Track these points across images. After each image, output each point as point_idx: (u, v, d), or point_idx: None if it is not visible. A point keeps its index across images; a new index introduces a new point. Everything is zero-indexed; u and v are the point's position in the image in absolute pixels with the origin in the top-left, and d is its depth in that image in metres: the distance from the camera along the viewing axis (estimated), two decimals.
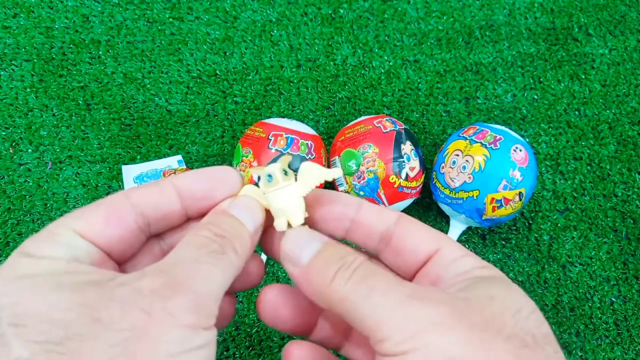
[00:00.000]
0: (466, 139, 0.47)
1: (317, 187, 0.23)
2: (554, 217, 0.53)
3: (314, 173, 0.23)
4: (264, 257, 0.23)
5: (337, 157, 0.49)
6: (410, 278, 0.22)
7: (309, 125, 0.51)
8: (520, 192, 0.45)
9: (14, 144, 0.55)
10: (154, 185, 0.22)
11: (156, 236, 0.23)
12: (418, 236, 0.22)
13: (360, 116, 0.54)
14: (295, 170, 0.23)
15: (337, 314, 0.20)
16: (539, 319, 0.19)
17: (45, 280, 0.17)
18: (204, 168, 0.23)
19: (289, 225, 0.22)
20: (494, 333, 0.17)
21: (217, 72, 0.59)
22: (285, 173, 0.23)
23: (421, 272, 0.22)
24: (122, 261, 0.22)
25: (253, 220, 0.22)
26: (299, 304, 0.24)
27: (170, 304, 0.17)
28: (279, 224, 0.22)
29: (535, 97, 0.58)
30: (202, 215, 0.23)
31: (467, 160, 0.46)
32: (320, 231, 0.23)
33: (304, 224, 0.22)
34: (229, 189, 0.23)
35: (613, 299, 0.49)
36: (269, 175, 0.22)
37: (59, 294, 0.17)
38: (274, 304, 0.23)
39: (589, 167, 0.55)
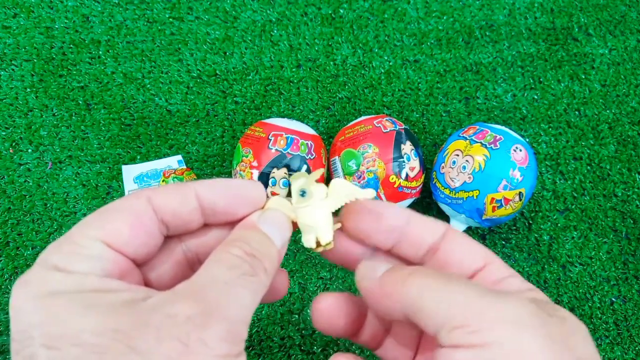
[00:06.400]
0: (466, 139, 0.47)
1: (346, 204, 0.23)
2: (554, 217, 0.53)
3: (345, 191, 0.22)
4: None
5: (337, 157, 0.49)
6: None
7: (309, 125, 0.51)
8: (520, 192, 0.45)
9: (14, 144, 0.55)
10: (177, 192, 0.21)
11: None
12: (465, 251, 0.22)
13: (360, 116, 0.54)
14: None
15: (408, 310, 0.19)
16: (595, 348, 0.19)
17: (77, 298, 0.17)
18: (231, 180, 0.22)
19: (317, 243, 0.22)
20: (568, 349, 0.17)
21: (217, 72, 0.59)
22: (315, 187, 0.22)
23: None
24: (143, 264, 0.21)
25: (281, 237, 0.22)
26: (351, 312, 0.24)
27: (206, 334, 0.17)
28: (308, 240, 0.22)
29: (535, 97, 0.58)
30: (221, 224, 0.23)
31: (467, 160, 0.46)
32: (368, 243, 0.23)
33: (330, 242, 0.22)
34: (253, 206, 0.22)
35: (613, 299, 0.49)
36: (303, 191, 0.22)
37: (92, 316, 0.17)
38: (329, 313, 0.23)
39: (589, 167, 0.55)
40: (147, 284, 0.22)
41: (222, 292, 0.18)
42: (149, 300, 0.18)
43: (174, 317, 0.17)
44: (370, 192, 0.22)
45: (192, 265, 0.23)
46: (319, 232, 0.22)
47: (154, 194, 0.21)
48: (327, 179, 0.51)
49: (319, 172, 0.23)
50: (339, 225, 0.23)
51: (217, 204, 0.22)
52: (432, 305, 0.18)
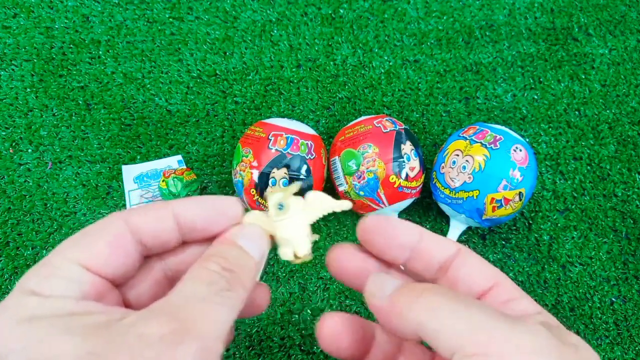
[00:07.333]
0: (466, 139, 0.47)
1: (323, 215, 0.23)
2: (554, 217, 0.53)
3: (321, 204, 0.23)
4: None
5: (337, 157, 0.49)
6: None
7: (309, 125, 0.51)
8: (520, 192, 0.45)
9: (14, 144, 0.55)
10: (154, 212, 0.21)
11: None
12: (476, 270, 0.22)
13: (360, 116, 0.54)
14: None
15: (420, 330, 0.19)
16: None
17: (54, 323, 0.17)
18: (207, 197, 0.22)
19: (295, 255, 0.23)
20: None
21: (217, 72, 0.59)
22: (295, 197, 0.23)
23: None
24: (121, 284, 0.22)
25: (259, 250, 0.22)
26: (357, 333, 0.24)
27: (178, 353, 0.17)
28: (285, 254, 0.23)
29: (535, 97, 0.58)
30: (199, 241, 0.23)
31: (467, 160, 0.46)
32: (382, 258, 0.23)
33: (309, 254, 0.23)
34: (229, 221, 0.23)
35: (613, 299, 0.49)
36: (280, 205, 0.23)
37: (69, 340, 0.17)
38: (334, 332, 0.23)
39: (589, 167, 0.55)
40: (126, 304, 0.22)
41: (197, 309, 0.18)
42: (124, 320, 0.18)
43: (146, 336, 0.17)
44: (347, 204, 0.23)
45: (172, 283, 0.23)
46: (295, 245, 0.23)
47: (130, 215, 0.21)
48: (326, 179, 0.51)
49: (296, 185, 0.23)
50: (316, 237, 0.23)
51: (194, 222, 0.22)
52: (446, 328, 0.18)
